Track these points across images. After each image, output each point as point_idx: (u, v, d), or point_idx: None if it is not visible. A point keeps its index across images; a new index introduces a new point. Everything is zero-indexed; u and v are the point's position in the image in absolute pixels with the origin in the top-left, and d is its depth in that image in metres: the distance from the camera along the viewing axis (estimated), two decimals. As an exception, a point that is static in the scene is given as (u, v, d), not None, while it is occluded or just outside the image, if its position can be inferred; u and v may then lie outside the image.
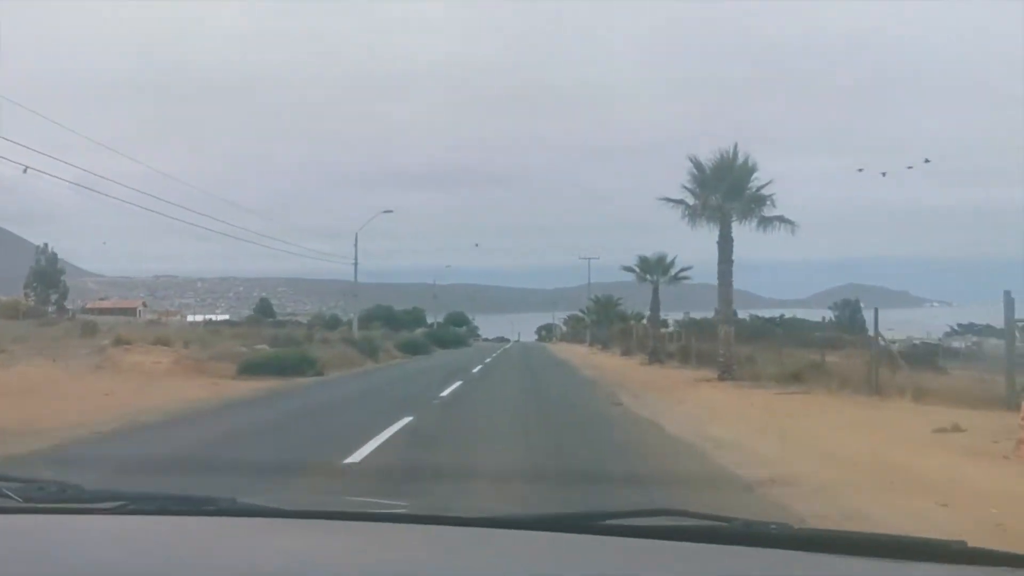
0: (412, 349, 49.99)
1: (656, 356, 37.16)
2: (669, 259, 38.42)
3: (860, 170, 43.21)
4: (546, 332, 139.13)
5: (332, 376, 27.54)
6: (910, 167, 37.13)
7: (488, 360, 40.22)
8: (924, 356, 25.92)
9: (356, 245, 49.79)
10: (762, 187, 22.98)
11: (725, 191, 22.67)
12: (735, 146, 22.89)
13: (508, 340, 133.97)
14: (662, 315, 41.40)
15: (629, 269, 39.02)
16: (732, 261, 23.43)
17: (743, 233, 21.99)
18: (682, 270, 38.28)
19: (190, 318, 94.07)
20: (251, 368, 25.55)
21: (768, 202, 22.78)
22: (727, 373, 22.72)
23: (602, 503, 6.41)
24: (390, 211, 49.83)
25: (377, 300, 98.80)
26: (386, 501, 2.13)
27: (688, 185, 23.71)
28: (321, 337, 46.61)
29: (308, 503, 2.23)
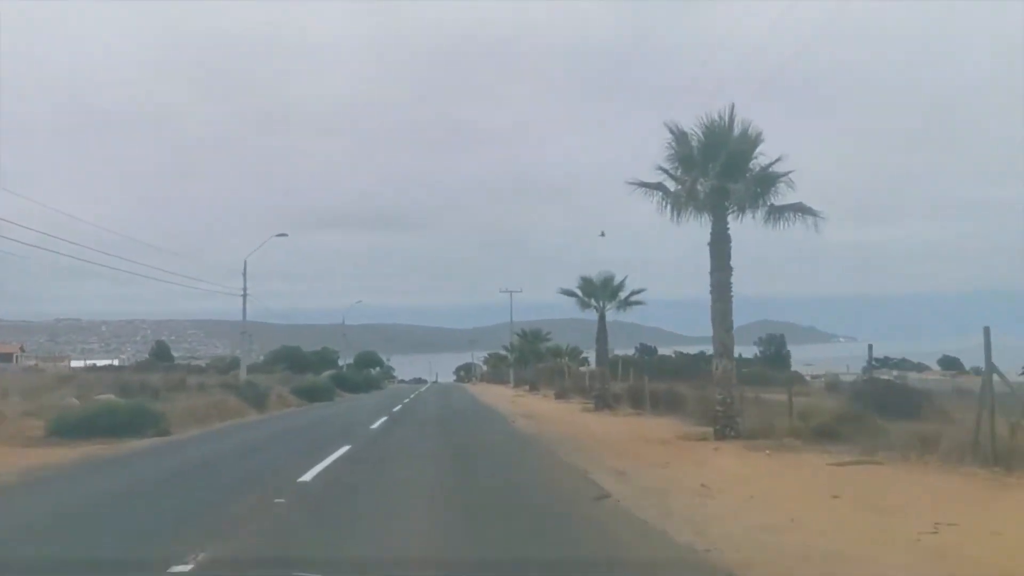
0: (311, 395, 43.29)
1: (603, 400, 30.51)
2: (617, 280, 32.01)
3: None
4: (465, 372, 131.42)
5: (180, 437, 20.00)
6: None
7: (397, 408, 32.99)
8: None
9: (245, 273, 43.30)
10: (770, 165, 16.56)
11: (720, 170, 16.21)
12: (731, 109, 16.43)
13: (426, 381, 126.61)
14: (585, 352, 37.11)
15: (569, 293, 32.34)
16: (731, 269, 16.94)
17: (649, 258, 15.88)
18: (633, 292, 32.25)
19: (74, 363, 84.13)
20: (66, 428, 18.76)
21: (781, 184, 16.41)
22: (730, 428, 16.07)
23: None
24: (284, 234, 44.94)
25: (286, 341, 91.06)
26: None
27: (666, 165, 17.31)
28: (199, 383, 38.75)
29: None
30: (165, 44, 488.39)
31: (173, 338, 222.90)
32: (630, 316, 33.47)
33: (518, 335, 69.29)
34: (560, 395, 41.74)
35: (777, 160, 16.44)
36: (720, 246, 16.76)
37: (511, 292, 73.33)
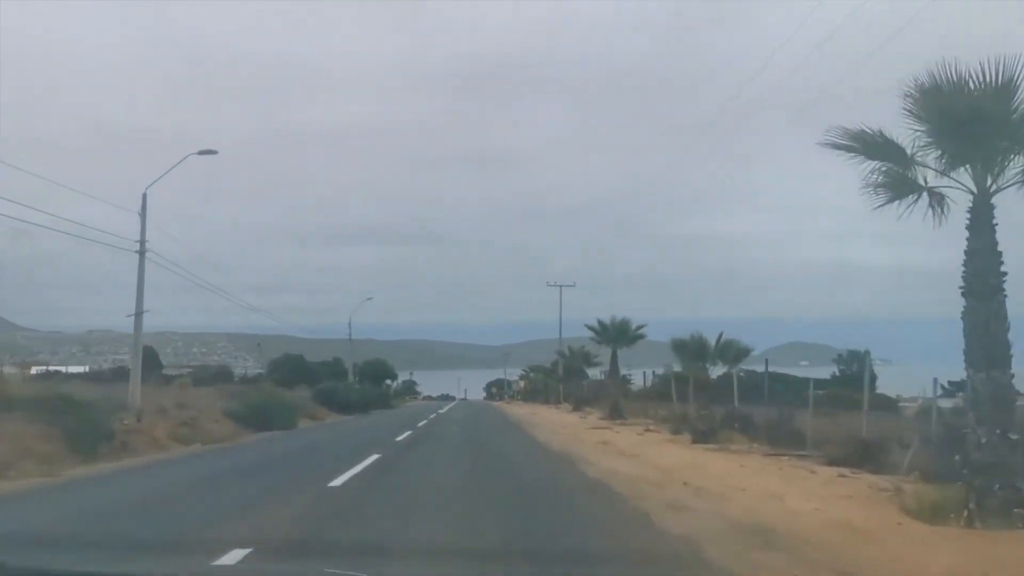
0: (258, 419, 28.41)
1: (705, 430, 21.12)
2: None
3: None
4: (497, 388, 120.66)
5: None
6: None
7: (398, 442, 23.49)
8: None
9: (144, 211, 32.89)
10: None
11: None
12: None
13: (453, 398, 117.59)
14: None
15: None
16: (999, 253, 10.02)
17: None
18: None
19: (36, 369, 78.66)
20: None
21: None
22: None
23: None
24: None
25: (310, 357, 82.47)
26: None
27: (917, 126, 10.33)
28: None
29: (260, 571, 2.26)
30: (181, 61, 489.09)
31: (204, 350, 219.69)
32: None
33: (566, 352, 58.52)
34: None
35: None
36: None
37: (560, 286, 62.11)
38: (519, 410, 50.98)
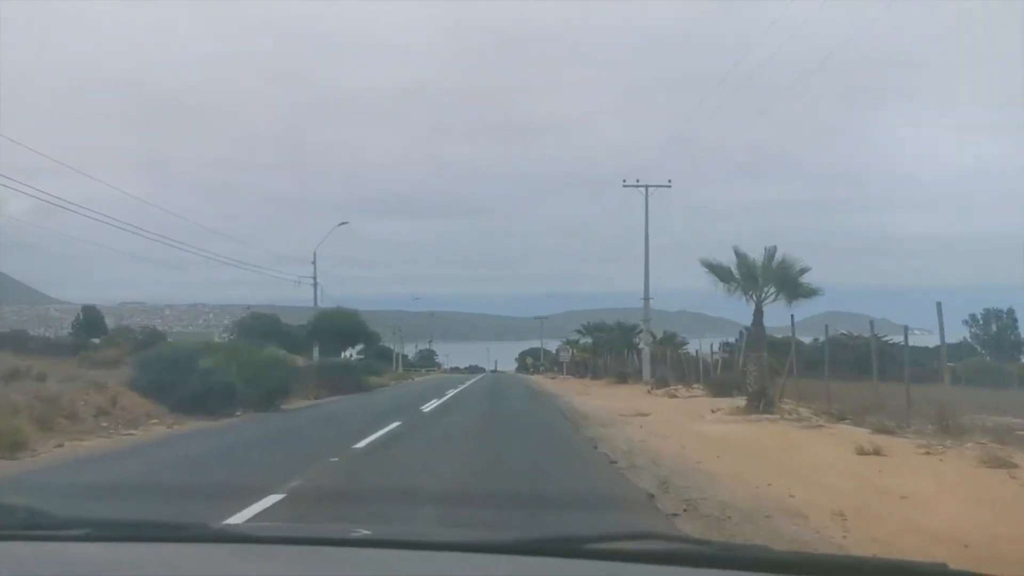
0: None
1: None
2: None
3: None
4: (532, 360, 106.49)
5: None
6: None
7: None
8: None
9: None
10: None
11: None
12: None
13: (483, 370, 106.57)
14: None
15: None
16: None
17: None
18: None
19: None
20: None
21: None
22: None
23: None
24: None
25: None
26: (361, 529, 2.04)
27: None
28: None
29: (280, 529, 2.27)
30: (228, 34, 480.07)
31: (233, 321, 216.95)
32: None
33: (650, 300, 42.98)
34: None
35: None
36: None
37: (646, 186, 42.45)
38: (575, 391, 33.76)
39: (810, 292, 19.60)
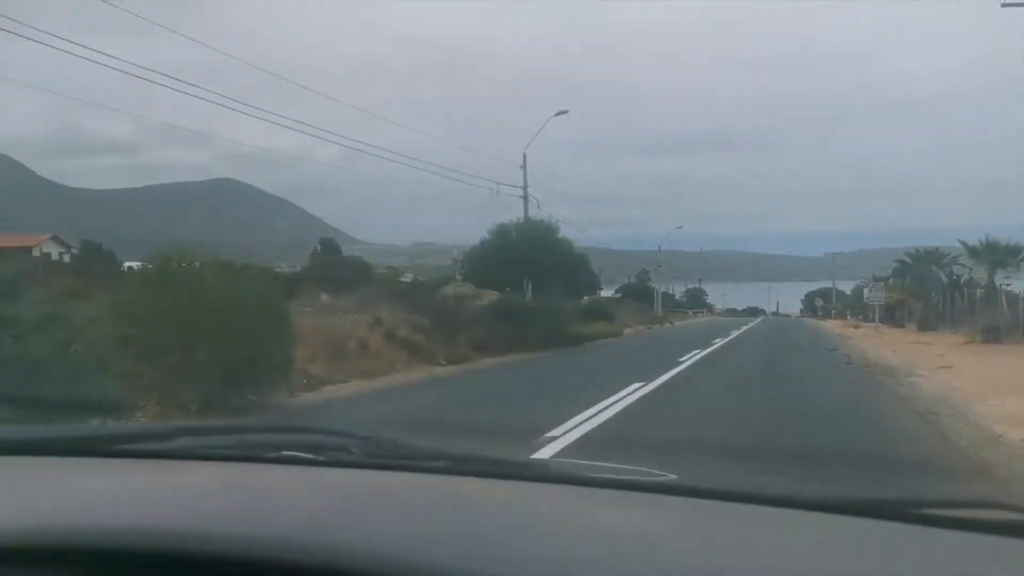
0: None
1: None
2: None
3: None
4: (822, 302, 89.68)
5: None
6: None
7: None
8: None
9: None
10: None
11: None
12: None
13: (763, 312, 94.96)
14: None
15: None
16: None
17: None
18: None
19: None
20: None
21: None
22: None
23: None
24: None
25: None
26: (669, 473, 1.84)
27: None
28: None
29: (614, 471, 2.05)
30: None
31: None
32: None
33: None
34: None
35: None
36: None
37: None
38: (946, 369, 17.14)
39: None
